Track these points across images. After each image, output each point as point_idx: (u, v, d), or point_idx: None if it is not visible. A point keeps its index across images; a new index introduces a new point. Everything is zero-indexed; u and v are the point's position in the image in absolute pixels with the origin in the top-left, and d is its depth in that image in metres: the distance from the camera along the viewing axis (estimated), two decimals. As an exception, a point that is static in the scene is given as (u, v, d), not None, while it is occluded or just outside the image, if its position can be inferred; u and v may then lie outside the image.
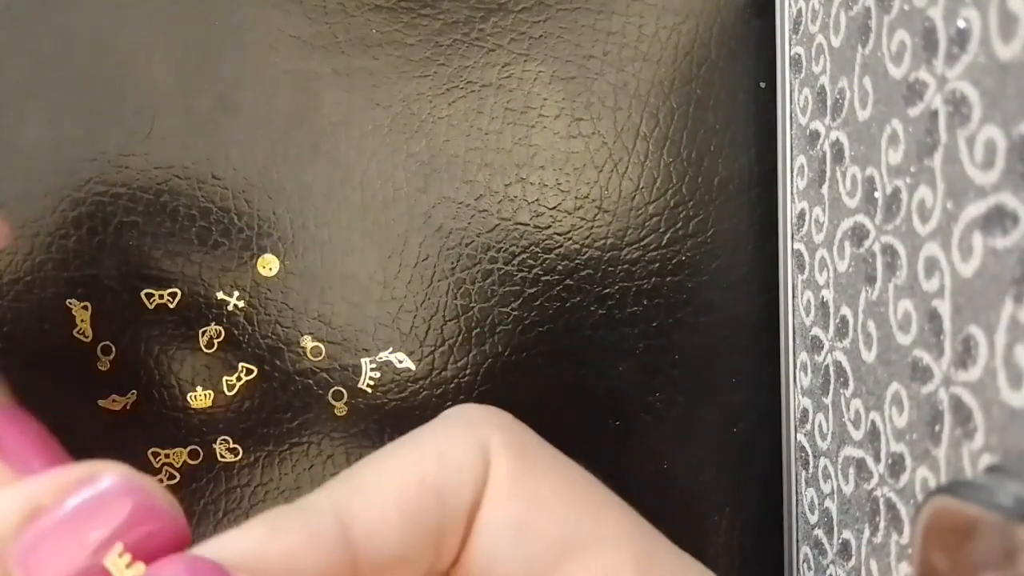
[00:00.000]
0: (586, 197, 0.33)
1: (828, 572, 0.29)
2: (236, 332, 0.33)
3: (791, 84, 0.31)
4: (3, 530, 0.17)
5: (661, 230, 0.33)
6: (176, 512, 0.18)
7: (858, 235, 0.26)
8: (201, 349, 0.33)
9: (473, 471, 0.20)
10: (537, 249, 0.33)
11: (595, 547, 0.20)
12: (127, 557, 0.17)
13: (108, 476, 0.18)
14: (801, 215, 0.31)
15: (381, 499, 0.19)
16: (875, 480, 0.25)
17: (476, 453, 0.21)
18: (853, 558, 0.27)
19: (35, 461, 0.20)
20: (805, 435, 0.31)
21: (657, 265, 0.33)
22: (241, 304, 0.33)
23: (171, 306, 0.33)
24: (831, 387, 0.29)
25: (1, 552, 0.17)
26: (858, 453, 0.27)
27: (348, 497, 0.19)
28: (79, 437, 0.32)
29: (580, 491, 0.21)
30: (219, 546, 0.18)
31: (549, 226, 0.33)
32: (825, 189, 0.29)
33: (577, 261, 0.33)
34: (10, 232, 0.31)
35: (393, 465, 0.20)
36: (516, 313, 0.33)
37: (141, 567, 0.17)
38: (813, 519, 0.30)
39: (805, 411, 0.31)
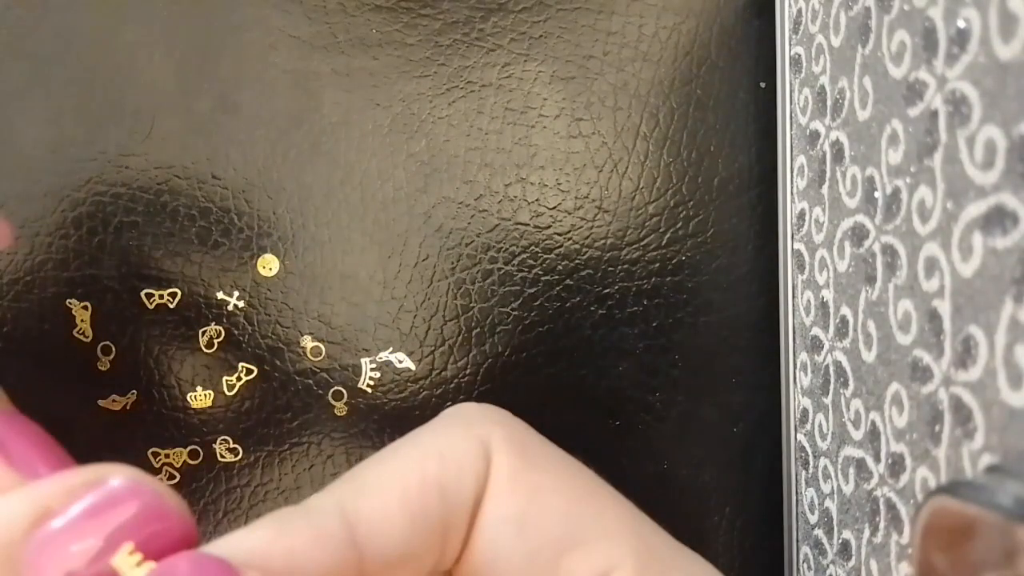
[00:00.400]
0: (586, 197, 0.33)
1: (828, 572, 0.29)
2: (236, 332, 0.33)
3: (791, 84, 0.31)
4: (13, 533, 0.17)
5: (661, 230, 0.33)
6: (184, 512, 0.18)
7: (858, 235, 0.26)
8: (201, 349, 0.33)
9: (474, 468, 0.20)
10: (537, 249, 0.33)
11: (596, 540, 0.21)
12: (137, 556, 0.17)
13: (115, 478, 0.18)
14: (801, 215, 0.31)
15: (385, 499, 0.19)
16: (875, 480, 0.26)
17: (477, 450, 0.21)
18: (853, 558, 0.27)
19: (40, 465, 0.20)
20: (805, 435, 0.31)
21: (657, 265, 0.33)
22: (241, 304, 0.33)
23: (171, 306, 0.33)
24: (831, 387, 0.29)
25: (12, 555, 0.17)
26: (858, 453, 0.27)
27: (352, 498, 0.19)
28: (79, 437, 0.32)
29: (580, 486, 0.22)
30: (227, 545, 0.18)
31: (549, 226, 0.33)
32: (825, 189, 0.29)
33: (577, 261, 0.33)
34: (11, 232, 0.31)
35: (395, 465, 0.20)
36: (516, 313, 0.33)
37: (150, 566, 0.17)
38: (813, 519, 0.31)
39: (805, 411, 0.31)
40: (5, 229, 0.31)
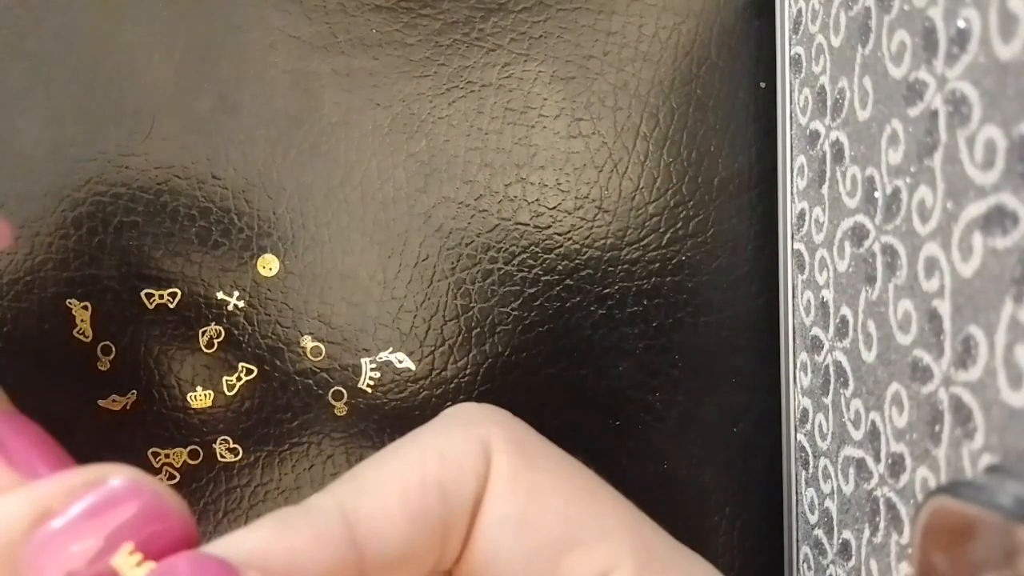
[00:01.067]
0: (586, 197, 0.33)
1: (828, 572, 0.29)
2: (236, 332, 0.33)
3: (791, 84, 0.31)
4: (13, 533, 0.17)
5: (661, 230, 0.33)
6: (184, 512, 0.18)
7: (858, 235, 0.26)
8: (201, 349, 0.33)
9: (474, 468, 0.20)
10: (537, 249, 0.33)
11: (595, 540, 0.21)
12: (137, 556, 0.17)
13: (115, 478, 0.18)
14: (801, 215, 0.31)
15: (385, 499, 0.19)
16: (875, 480, 0.26)
17: (477, 450, 0.21)
18: (853, 558, 0.27)
19: (40, 465, 0.20)
20: (805, 435, 0.31)
21: (657, 265, 0.33)
22: (241, 304, 0.33)
23: (171, 306, 0.33)
24: (831, 387, 0.29)
25: (12, 555, 0.17)
26: (858, 453, 0.27)
27: (352, 498, 0.19)
28: (79, 437, 0.32)
29: (580, 486, 0.22)
30: (227, 545, 0.18)
31: (549, 226, 0.33)
32: (825, 189, 0.29)
33: (577, 261, 0.33)
34: (11, 232, 0.32)
35: (395, 465, 0.20)
36: (516, 313, 0.33)
37: (150, 566, 0.17)
38: (813, 519, 0.31)
39: (805, 411, 0.31)
40: (5, 229, 0.31)
